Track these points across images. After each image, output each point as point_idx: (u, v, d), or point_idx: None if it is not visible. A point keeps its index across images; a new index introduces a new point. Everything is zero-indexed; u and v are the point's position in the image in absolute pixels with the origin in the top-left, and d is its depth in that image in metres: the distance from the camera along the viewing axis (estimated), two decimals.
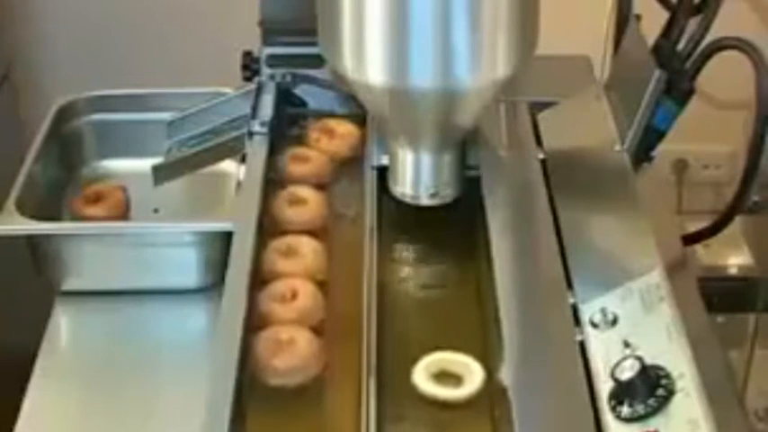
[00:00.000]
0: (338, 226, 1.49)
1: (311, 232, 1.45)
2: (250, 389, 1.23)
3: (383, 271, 1.38)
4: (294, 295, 1.33)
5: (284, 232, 1.44)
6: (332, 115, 1.67)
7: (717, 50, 1.40)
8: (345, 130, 1.64)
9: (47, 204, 1.59)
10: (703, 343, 1.15)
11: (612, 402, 1.12)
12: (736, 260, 1.80)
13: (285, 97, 1.68)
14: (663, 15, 1.50)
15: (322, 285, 1.36)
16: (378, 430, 1.17)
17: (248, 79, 1.72)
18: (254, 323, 1.29)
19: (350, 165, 1.60)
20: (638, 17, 1.50)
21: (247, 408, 1.21)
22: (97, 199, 1.61)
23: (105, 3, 2.38)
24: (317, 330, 1.30)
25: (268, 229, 1.44)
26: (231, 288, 1.30)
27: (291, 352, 1.26)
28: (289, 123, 1.66)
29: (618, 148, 1.44)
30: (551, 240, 1.35)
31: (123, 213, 1.62)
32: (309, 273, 1.37)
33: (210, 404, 1.16)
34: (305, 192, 1.51)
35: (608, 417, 1.12)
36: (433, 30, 1.29)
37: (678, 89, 1.42)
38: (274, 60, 1.70)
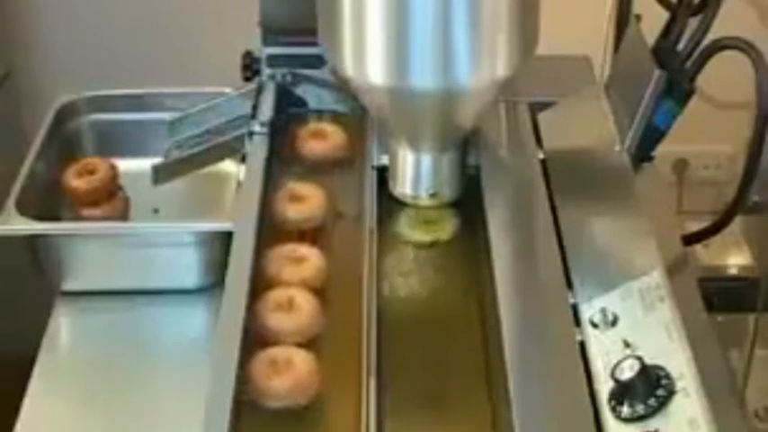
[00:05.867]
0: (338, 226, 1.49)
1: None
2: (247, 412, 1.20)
3: (383, 271, 1.38)
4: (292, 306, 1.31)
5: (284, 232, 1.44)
6: (332, 114, 1.67)
7: (717, 50, 1.40)
8: (333, 130, 1.63)
9: (47, 204, 1.59)
10: (703, 343, 1.15)
11: (612, 402, 1.12)
12: (736, 260, 1.80)
13: (285, 97, 1.68)
14: (663, 15, 1.50)
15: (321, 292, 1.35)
16: (377, 431, 1.17)
17: (248, 79, 1.71)
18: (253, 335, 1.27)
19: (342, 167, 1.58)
20: (638, 17, 1.50)
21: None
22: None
23: (106, 3, 2.38)
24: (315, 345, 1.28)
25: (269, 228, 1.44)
26: (231, 289, 1.30)
27: (289, 374, 1.23)
28: (289, 123, 1.66)
29: (618, 148, 1.44)
30: (551, 240, 1.35)
31: (123, 213, 1.62)
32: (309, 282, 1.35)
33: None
34: (305, 189, 1.50)
35: (608, 417, 1.12)
36: (433, 30, 1.29)
37: (678, 89, 1.42)
38: (274, 60, 1.70)
